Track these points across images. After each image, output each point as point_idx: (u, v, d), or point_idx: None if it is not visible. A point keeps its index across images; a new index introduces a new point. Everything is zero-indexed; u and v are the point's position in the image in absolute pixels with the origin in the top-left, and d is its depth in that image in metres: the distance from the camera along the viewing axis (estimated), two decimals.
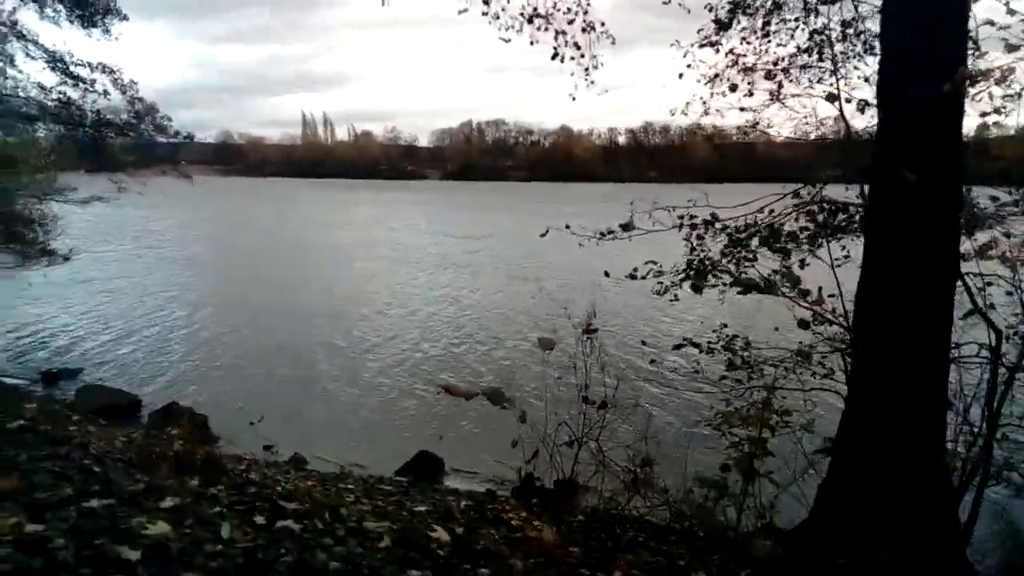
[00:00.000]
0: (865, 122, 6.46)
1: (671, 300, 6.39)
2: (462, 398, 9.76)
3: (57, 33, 13.85)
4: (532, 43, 6.73)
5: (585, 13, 6.51)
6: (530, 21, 6.62)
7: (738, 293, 5.92)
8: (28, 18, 13.99)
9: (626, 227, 6.01)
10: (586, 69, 6.87)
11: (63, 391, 11.81)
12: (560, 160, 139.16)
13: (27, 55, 13.44)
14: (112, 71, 13.58)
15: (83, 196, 15.42)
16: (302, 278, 24.79)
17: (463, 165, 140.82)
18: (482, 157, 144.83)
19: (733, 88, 7.13)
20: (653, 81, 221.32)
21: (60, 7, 13.20)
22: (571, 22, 6.54)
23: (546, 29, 6.72)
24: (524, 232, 40.34)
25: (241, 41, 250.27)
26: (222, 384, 12.85)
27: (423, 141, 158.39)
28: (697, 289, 5.85)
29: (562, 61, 6.77)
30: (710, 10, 6.87)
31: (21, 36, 13.38)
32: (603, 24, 6.61)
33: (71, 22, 13.50)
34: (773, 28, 7.19)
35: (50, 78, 14.09)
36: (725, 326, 6.53)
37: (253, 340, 15.86)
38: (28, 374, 12.65)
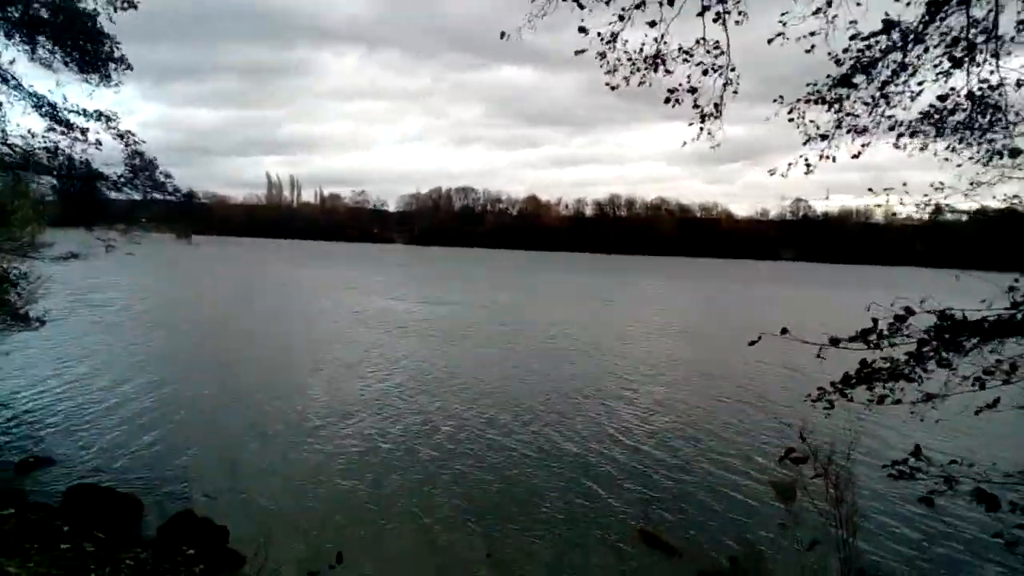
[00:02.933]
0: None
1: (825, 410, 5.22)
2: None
3: (47, 78, 12.47)
4: (641, 84, 6.05)
5: (715, 56, 5.79)
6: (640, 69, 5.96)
7: None
8: (12, 57, 12.71)
9: (869, 335, 4.61)
10: (702, 116, 6.13)
11: (42, 487, 9.76)
12: (528, 228, 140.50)
13: (14, 99, 12.26)
14: (109, 119, 12.43)
15: (58, 253, 13.88)
16: (289, 350, 22.94)
17: (430, 229, 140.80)
18: (450, 223, 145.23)
19: (855, 156, 6.44)
20: (611, 157, 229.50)
21: (56, 48, 12.10)
22: (699, 64, 5.82)
23: (656, 71, 6.01)
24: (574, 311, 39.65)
25: (208, 105, 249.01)
26: (228, 480, 10.81)
27: (392, 206, 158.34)
28: None
29: (674, 106, 6.03)
30: (838, 63, 6.22)
31: (4, 79, 12.24)
32: (733, 69, 5.88)
33: (66, 64, 12.36)
34: (894, 90, 6.58)
35: (36, 124, 12.91)
36: None
37: (250, 422, 14.01)
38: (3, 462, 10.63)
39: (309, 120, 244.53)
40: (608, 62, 5.93)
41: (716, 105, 6.05)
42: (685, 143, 6.24)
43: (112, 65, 12.19)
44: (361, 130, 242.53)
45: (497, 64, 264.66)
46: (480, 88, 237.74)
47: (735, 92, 6.11)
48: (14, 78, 12.26)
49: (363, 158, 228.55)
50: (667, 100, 5.96)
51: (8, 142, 12.12)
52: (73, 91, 12.88)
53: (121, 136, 12.98)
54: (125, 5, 11.35)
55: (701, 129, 6.17)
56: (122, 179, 12.87)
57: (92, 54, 11.79)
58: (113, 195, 13.71)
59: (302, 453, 12.37)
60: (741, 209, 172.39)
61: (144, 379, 17.09)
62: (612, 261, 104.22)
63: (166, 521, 8.21)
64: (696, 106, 6.03)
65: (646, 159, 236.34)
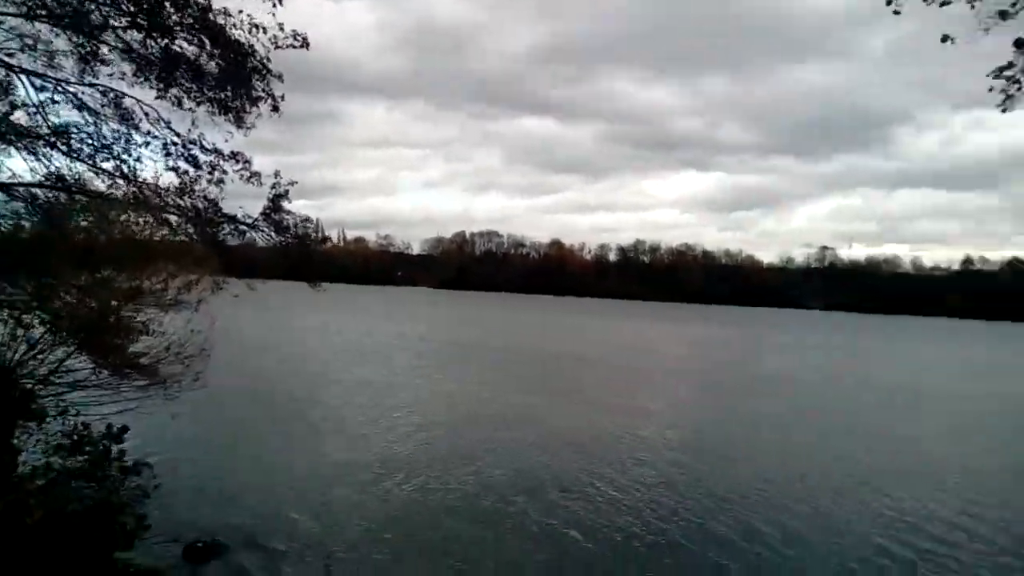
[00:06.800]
0: None
1: None
2: None
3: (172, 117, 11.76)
4: None
5: None
6: None
7: None
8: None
9: None
10: None
11: None
12: (553, 273, 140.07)
13: (149, 138, 11.65)
14: (247, 160, 11.80)
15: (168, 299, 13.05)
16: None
17: (456, 272, 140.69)
18: (475, 266, 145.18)
19: None
20: (630, 205, 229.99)
21: (192, 87, 11.41)
22: None
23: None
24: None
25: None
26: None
27: (415, 249, 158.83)
28: None
29: None
30: None
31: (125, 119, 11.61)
32: None
33: (199, 104, 11.68)
34: None
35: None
36: None
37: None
38: (163, 544, 8.78)
39: (337, 166, 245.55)
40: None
41: None
42: None
43: (255, 109, 11.44)
44: (386, 176, 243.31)
45: (517, 114, 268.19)
46: (501, 137, 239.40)
47: None
48: (156, 112, 11.54)
49: (386, 202, 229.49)
50: None
51: (143, 183, 11.52)
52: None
53: (251, 177, 12.39)
54: (295, 43, 10.52)
55: None
56: (255, 222, 12.23)
57: (243, 94, 11.09)
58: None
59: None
60: (766, 256, 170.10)
61: (304, 439, 15.97)
62: (642, 307, 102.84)
63: None
64: None
65: (662, 206, 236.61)
